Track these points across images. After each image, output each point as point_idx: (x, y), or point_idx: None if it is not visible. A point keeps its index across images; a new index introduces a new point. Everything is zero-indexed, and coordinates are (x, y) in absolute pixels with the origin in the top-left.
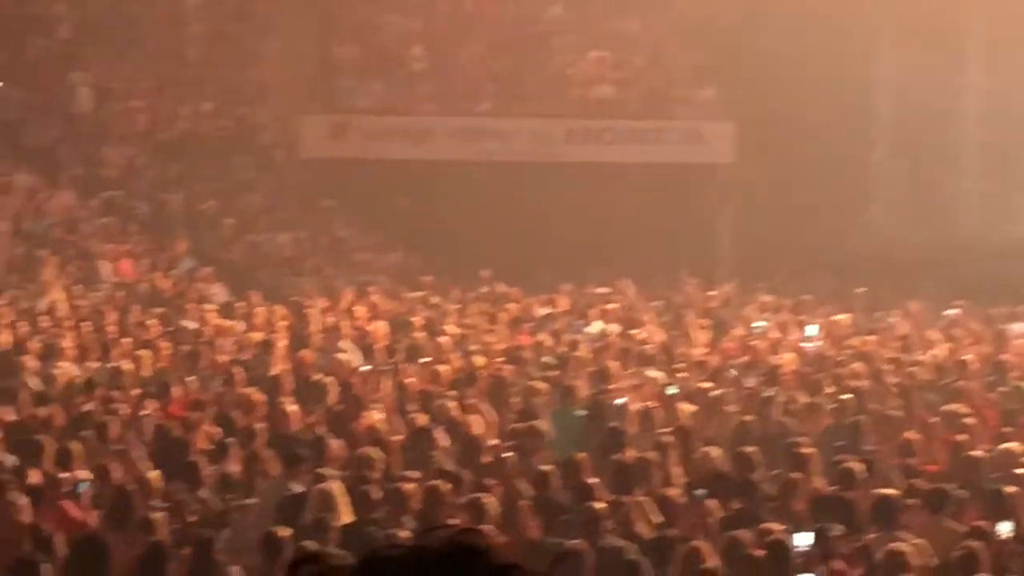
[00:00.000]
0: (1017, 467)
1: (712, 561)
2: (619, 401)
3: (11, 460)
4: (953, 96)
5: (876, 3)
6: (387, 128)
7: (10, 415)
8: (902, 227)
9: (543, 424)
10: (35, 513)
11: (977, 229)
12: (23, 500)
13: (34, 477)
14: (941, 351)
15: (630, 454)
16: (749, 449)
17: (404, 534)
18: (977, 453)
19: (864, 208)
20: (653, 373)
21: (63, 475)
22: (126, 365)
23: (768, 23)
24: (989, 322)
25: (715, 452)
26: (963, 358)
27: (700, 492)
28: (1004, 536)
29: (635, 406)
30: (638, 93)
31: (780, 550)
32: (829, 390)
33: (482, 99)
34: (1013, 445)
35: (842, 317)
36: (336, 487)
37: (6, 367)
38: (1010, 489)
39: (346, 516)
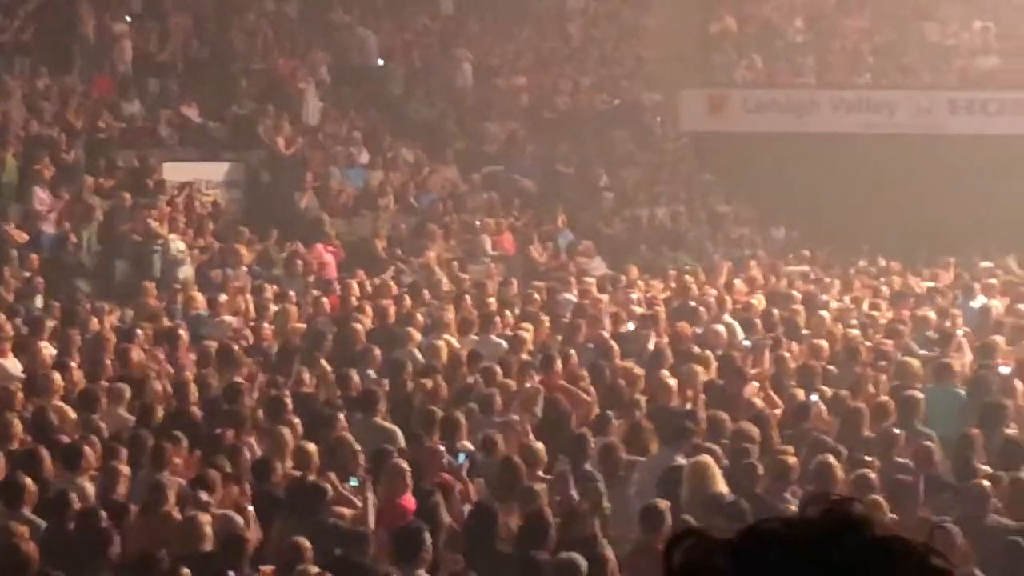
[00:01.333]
0: None
1: None
2: (1004, 370)
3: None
4: None
5: None
6: (766, 101)
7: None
8: None
9: (919, 397)
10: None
11: None
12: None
13: (417, 446)
14: None
15: (1014, 430)
16: None
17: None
18: None
19: None
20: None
21: (442, 446)
22: (510, 337)
23: None
24: None
25: None
26: None
27: None
28: None
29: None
30: (1020, 64)
31: None
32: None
33: (863, 71)
34: None
35: None
36: (710, 460)
37: (392, 340)
38: None
39: (722, 488)
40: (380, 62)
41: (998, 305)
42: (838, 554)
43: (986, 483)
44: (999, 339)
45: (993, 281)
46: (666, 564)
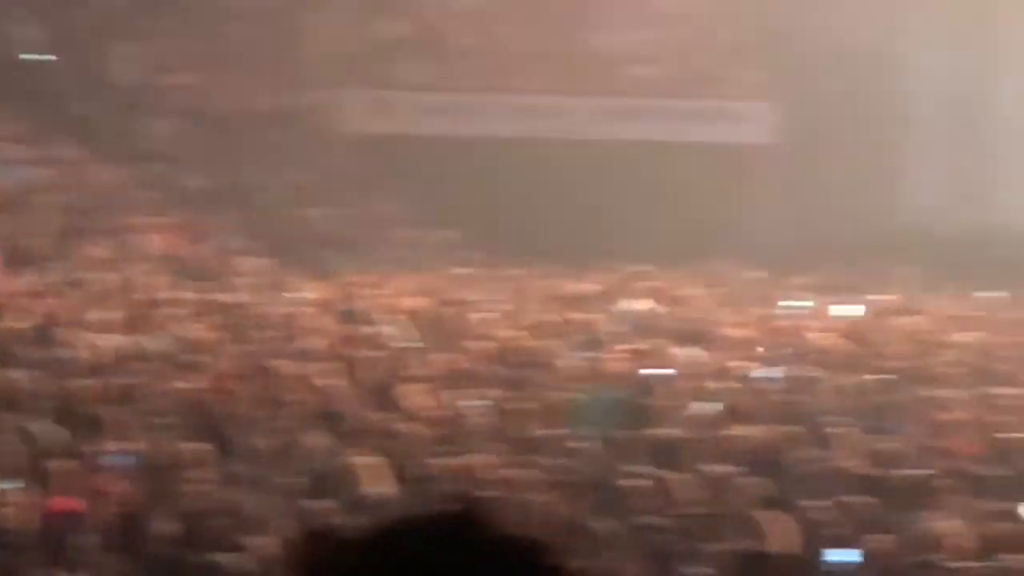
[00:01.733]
0: None
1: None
2: (658, 372)
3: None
4: (991, 77)
5: None
6: (429, 105)
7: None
8: (941, 208)
9: (576, 402)
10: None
11: (1018, 211)
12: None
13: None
14: (984, 333)
15: (667, 431)
16: (789, 428)
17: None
18: (1015, 435)
19: (905, 189)
20: (694, 352)
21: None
22: (162, 337)
23: (812, 3)
24: None
25: (754, 431)
26: (999, 341)
27: (732, 469)
28: None
29: (677, 384)
30: (681, 72)
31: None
32: (868, 371)
33: (525, 76)
34: None
35: (884, 298)
36: (366, 460)
37: (48, 339)
38: None
39: (383, 488)
40: (40, 56)
41: (654, 309)
42: (457, 548)
43: (633, 482)
44: (657, 343)
45: (651, 284)
46: (293, 562)
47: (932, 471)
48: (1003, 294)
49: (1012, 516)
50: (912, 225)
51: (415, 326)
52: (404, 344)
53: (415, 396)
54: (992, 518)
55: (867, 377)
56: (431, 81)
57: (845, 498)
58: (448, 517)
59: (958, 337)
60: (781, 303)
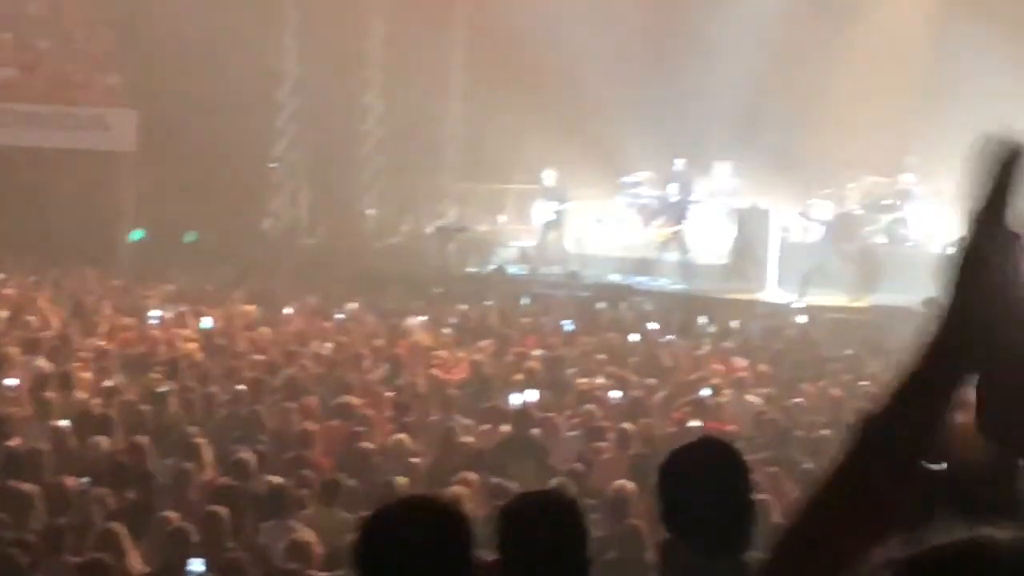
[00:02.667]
0: (409, 458)
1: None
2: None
3: None
4: (356, 90)
5: None
6: None
7: None
8: (304, 220)
9: None
10: None
11: (376, 224)
12: None
13: None
14: (337, 345)
15: (19, 442)
16: (142, 438)
17: None
18: (368, 445)
19: (268, 200)
20: (42, 362)
21: None
22: None
23: (173, 10)
24: (385, 317)
25: (107, 442)
26: (359, 352)
27: (86, 481)
28: None
29: (28, 394)
30: (42, 77)
31: (180, 536)
32: (226, 381)
33: None
34: (404, 437)
35: (242, 309)
36: None
37: None
38: (402, 480)
39: None
40: None
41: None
42: None
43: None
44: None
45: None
46: None
47: (289, 481)
48: (354, 305)
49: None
50: (277, 235)
51: None
52: None
53: None
54: (346, 528)
55: (226, 387)
56: None
57: (205, 508)
58: None
59: (315, 347)
60: (146, 313)
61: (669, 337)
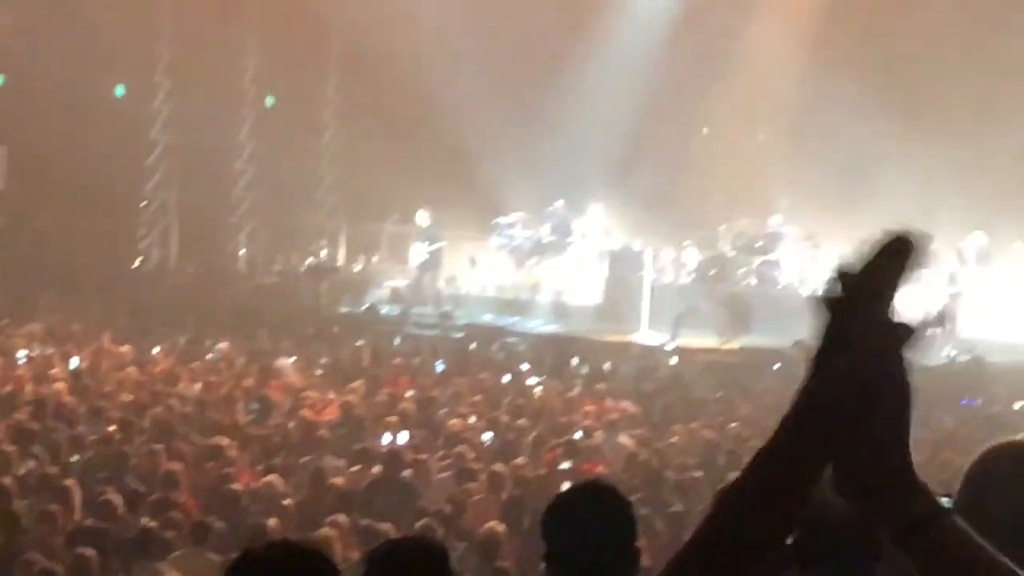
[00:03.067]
0: (279, 499)
1: None
2: None
3: None
4: (227, 128)
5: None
6: None
7: None
8: (175, 259)
9: None
10: None
11: (248, 263)
12: None
13: None
14: (205, 384)
15: None
16: (7, 479)
17: None
18: (237, 487)
19: (138, 239)
20: None
21: None
22: None
23: (44, 46)
24: (254, 357)
25: None
26: (228, 392)
27: None
28: None
29: None
30: None
31: None
32: (94, 422)
33: None
34: (274, 478)
35: (111, 348)
36: None
37: None
38: (272, 522)
39: None
40: None
41: None
42: None
43: None
44: None
45: None
46: None
47: (157, 523)
48: (224, 344)
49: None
50: (148, 273)
51: None
52: None
53: None
54: (215, 571)
55: (93, 427)
56: None
57: (73, 550)
58: None
59: (184, 387)
60: (14, 353)
61: (542, 378)
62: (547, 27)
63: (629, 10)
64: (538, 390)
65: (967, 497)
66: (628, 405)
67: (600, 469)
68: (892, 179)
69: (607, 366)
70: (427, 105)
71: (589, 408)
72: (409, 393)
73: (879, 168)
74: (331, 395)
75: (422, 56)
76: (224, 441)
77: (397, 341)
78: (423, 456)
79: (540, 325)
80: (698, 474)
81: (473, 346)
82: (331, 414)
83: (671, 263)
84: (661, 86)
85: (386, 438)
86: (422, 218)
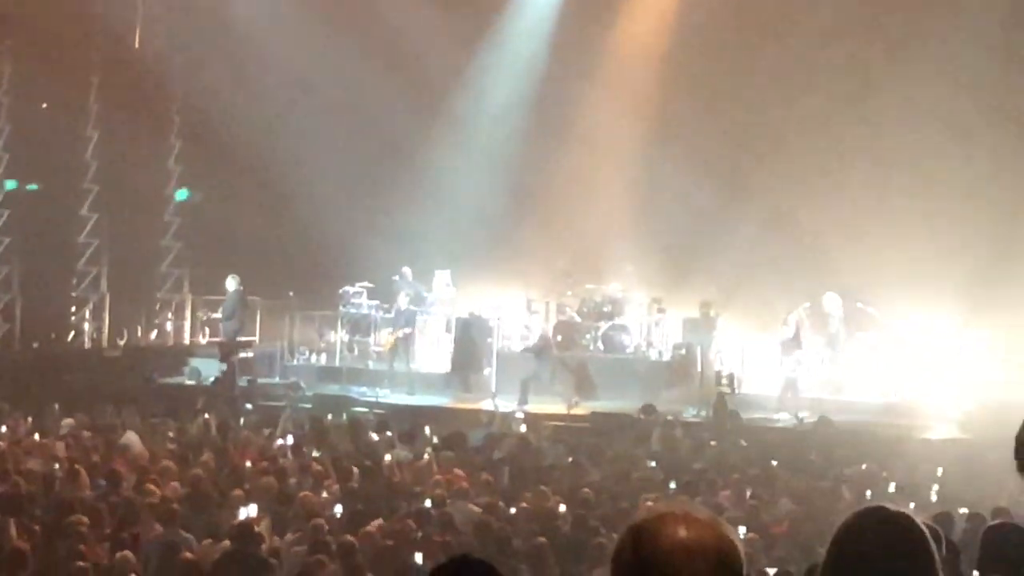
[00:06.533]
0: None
1: None
2: None
3: None
4: (73, 203)
5: None
6: None
7: None
8: (17, 333)
9: None
10: None
11: (94, 337)
12: None
13: None
14: (53, 460)
15: None
16: None
17: None
18: (85, 564)
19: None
20: None
21: None
22: None
23: None
24: (102, 432)
25: None
26: (75, 468)
27: None
28: None
29: None
30: None
31: None
32: None
33: None
34: (124, 554)
35: None
36: None
37: None
38: None
39: None
40: None
41: None
42: None
43: None
44: None
45: None
46: None
47: None
48: (70, 420)
49: None
50: None
51: None
52: None
53: None
54: None
55: None
56: None
57: None
58: None
59: (31, 464)
60: None
61: (392, 448)
62: (394, 105)
63: (475, 88)
64: (387, 458)
65: (837, 560)
66: (476, 473)
67: (447, 539)
68: (731, 245)
69: (456, 434)
70: (278, 176)
71: (439, 477)
72: (259, 465)
73: (717, 235)
74: (180, 468)
75: (263, 124)
76: (72, 517)
77: (247, 412)
78: (273, 528)
79: (389, 394)
80: (545, 540)
81: (324, 417)
82: (180, 487)
83: (518, 329)
84: (507, 150)
85: (237, 511)
86: (230, 283)
